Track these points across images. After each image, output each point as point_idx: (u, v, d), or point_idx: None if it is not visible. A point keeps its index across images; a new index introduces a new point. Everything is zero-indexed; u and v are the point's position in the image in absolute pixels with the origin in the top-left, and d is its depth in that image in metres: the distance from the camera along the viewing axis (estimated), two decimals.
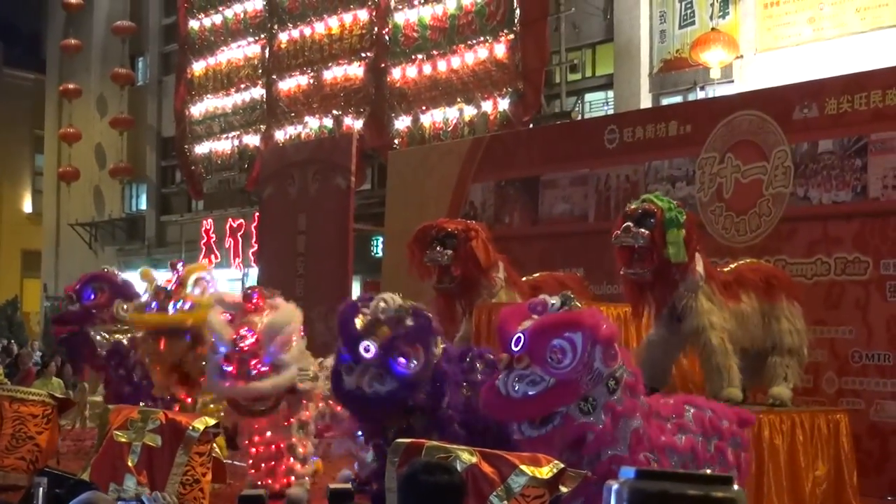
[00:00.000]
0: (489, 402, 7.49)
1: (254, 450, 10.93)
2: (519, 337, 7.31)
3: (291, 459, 10.81)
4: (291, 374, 10.36)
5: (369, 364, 8.84)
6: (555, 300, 7.64)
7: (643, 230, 10.01)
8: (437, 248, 12.45)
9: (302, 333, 10.69)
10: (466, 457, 6.33)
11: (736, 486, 2.66)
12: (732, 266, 11.19)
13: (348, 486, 8.72)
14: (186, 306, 11.95)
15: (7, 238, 44.86)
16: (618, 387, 7.29)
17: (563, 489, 6.37)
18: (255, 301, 10.56)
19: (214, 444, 9.61)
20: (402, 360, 8.83)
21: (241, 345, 10.18)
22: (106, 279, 13.88)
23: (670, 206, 10.12)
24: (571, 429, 7.18)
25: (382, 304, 9.04)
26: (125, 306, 13.36)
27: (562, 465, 6.42)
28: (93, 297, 13.56)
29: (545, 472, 6.32)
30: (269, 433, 10.82)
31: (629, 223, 10.06)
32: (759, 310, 10.62)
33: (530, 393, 7.13)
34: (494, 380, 7.37)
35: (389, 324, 8.95)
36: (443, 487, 4.76)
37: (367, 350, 8.88)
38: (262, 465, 10.84)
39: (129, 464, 8.97)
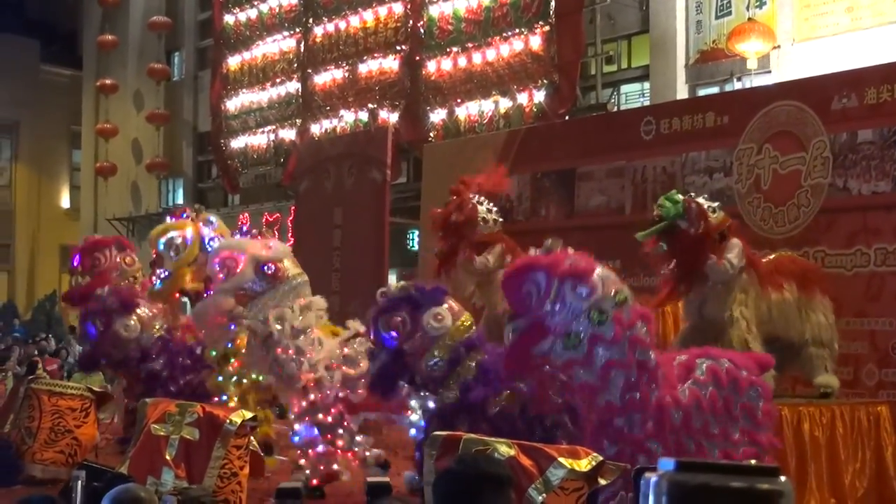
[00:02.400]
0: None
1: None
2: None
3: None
4: (220, 303, 10.50)
5: (370, 346, 9.34)
6: (540, 250, 7.96)
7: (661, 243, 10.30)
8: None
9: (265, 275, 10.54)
10: (505, 449, 6.31)
11: (783, 478, 2.58)
12: (771, 257, 11.13)
13: (386, 479, 8.73)
14: (164, 275, 12.25)
15: (46, 233, 45.12)
16: (605, 319, 7.43)
17: (602, 482, 6.34)
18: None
19: (251, 438, 9.60)
20: (393, 332, 8.98)
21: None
22: (99, 244, 14.16)
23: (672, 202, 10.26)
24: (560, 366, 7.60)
25: (382, 289, 9.41)
26: (128, 259, 13.72)
27: (601, 458, 6.39)
28: (99, 261, 13.89)
29: (584, 464, 6.29)
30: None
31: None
32: (797, 301, 10.60)
33: (511, 337, 7.58)
34: None
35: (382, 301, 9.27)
36: (485, 481, 4.66)
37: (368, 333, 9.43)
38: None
39: (167, 457, 8.99)
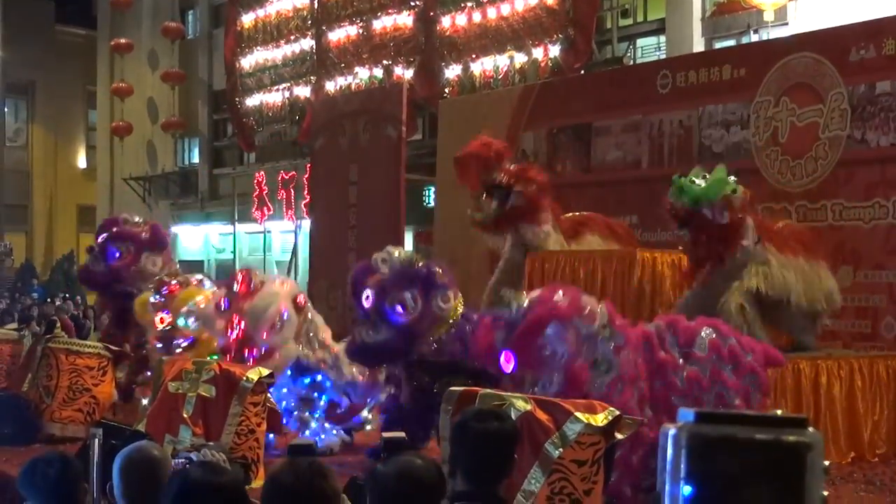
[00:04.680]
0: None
1: None
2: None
3: None
4: (289, 352, 10.11)
5: (368, 312, 9.00)
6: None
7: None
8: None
9: (301, 308, 10.36)
10: (521, 404, 6.28)
11: (811, 429, 2.46)
12: (780, 225, 11.12)
13: (402, 434, 8.71)
14: (185, 344, 11.30)
15: (63, 194, 45.22)
16: (611, 330, 7.50)
17: (619, 436, 6.32)
18: (240, 287, 10.21)
19: (268, 395, 9.59)
20: (399, 307, 8.84)
21: (232, 336, 10.05)
22: (130, 237, 13.44)
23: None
24: None
25: (384, 256, 9.10)
26: (155, 259, 13.24)
27: (617, 413, 6.36)
28: (118, 255, 13.28)
29: (600, 419, 6.26)
30: None
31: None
32: (811, 268, 10.60)
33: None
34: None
35: (389, 272, 9.01)
36: (494, 434, 4.70)
37: (366, 299, 9.05)
38: None
39: (185, 415, 9.00)
